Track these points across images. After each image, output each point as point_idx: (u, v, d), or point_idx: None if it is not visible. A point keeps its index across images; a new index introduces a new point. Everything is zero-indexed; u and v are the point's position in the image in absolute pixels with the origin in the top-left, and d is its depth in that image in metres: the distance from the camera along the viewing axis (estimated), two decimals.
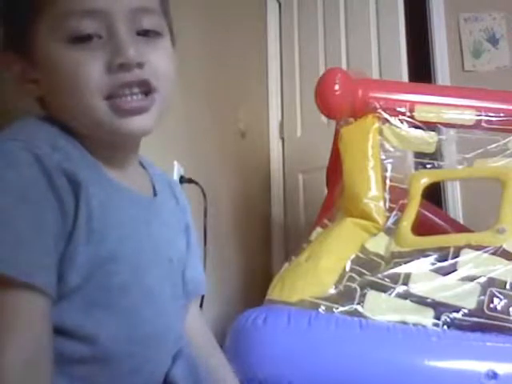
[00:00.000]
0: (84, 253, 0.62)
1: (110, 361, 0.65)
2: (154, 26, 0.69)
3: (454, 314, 1.27)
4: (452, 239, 1.50)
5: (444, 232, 1.77)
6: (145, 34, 0.68)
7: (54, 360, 0.59)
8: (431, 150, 1.65)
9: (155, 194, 0.77)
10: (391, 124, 1.64)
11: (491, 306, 1.26)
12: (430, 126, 1.66)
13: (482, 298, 1.28)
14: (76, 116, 0.68)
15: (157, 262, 0.72)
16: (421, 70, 2.56)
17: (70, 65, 0.64)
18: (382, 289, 1.34)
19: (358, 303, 1.32)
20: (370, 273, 1.39)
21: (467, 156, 1.60)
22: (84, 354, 0.63)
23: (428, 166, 1.64)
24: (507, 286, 1.29)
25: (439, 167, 1.65)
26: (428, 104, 1.67)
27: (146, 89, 0.67)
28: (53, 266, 0.60)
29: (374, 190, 1.57)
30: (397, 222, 1.52)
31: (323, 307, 1.32)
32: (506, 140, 1.59)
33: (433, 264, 1.37)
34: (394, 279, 1.35)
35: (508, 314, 1.25)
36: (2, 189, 0.58)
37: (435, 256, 1.38)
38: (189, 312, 0.86)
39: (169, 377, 0.74)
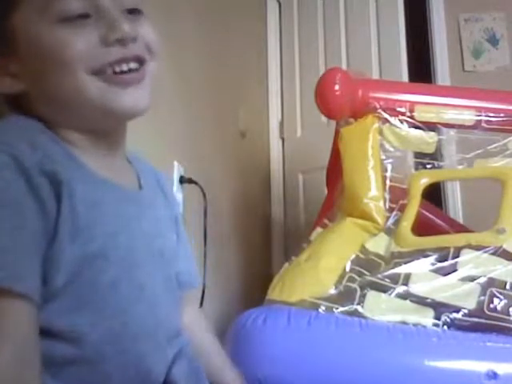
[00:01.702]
0: (70, 252, 0.60)
1: (102, 360, 0.63)
2: (135, 4, 0.69)
3: (454, 315, 1.27)
4: (452, 239, 1.50)
5: (444, 232, 1.77)
6: (130, 12, 0.68)
7: (43, 363, 0.58)
8: (431, 150, 1.65)
9: (140, 188, 0.76)
10: (391, 124, 1.64)
11: (491, 306, 1.26)
12: (430, 126, 1.66)
13: (482, 298, 1.28)
14: (63, 99, 0.66)
15: (148, 256, 0.71)
16: (421, 70, 2.57)
17: (59, 42, 0.64)
18: (382, 289, 1.34)
19: (358, 303, 1.32)
20: (370, 273, 1.39)
21: (467, 156, 1.60)
22: (74, 355, 0.61)
23: (428, 166, 1.64)
24: (507, 287, 1.29)
25: (439, 167, 1.65)
26: (428, 104, 1.67)
27: (140, 63, 0.68)
28: (35, 270, 0.58)
29: (374, 190, 1.57)
30: (397, 222, 1.52)
31: (323, 307, 1.32)
32: (506, 140, 1.59)
33: (433, 264, 1.37)
34: (394, 279, 1.35)
35: (508, 315, 1.25)
36: None
37: (435, 256, 1.39)
38: (185, 308, 0.85)
39: (169, 376, 0.72)
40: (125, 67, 0.66)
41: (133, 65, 0.67)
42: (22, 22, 0.65)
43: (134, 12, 0.68)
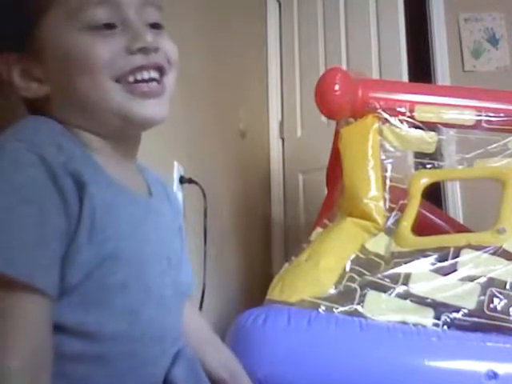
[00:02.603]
0: (86, 252, 0.62)
1: (111, 359, 0.65)
2: (157, 19, 0.73)
3: (454, 314, 1.27)
4: (452, 239, 1.50)
5: (444, 232, 1.77)
6: (152, 26, 0.72)
7: (54, 359, 0.59)
8: (431, 150, 1.65)
9: (150, 195, 0.78)
10: (391, 124, 1.64)
11: (491, 306, 1.26)
12: (430, 126, 1.66)
13: (482, 298, 1.28)
14: (85, 103, 0.68)
15: (156, 261, 0.73)
16: (421, 70, 2.57)
17: (84, 47, 0.66)
18: (382, 289, 1.34)
19: (358, 303, 1.32)
20: (370, 273, 1.39)
21: (467, 156, 1.60)
22: (85, 351, 0.63)
23: (428, 166, 1.64)
24: (507, 286, 1.29)
25: (439, 167, 1.65)
26: (428, 104, 1.67)
27: (160, 73, 0.71)
28: (55, 266, 0.60)
29: (374, 190, 1.57)
30: (397, 222, 1.52)
31: (323, 307, 1.32)
32: (506, 140, 1.59)
33: (433, 264, 1.37)
34: (394, 279, 1.35)
35: (508, 314, 1.25)
36: (6, 190, 0.59)
37: (435, 256, 1.39)
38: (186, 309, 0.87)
39: (168, 377, 0.74)
40: (146, 75, 0.69)
41: (153, 73, 0.70)
42: (50, 28, 0.67)
43: (156, 26, 0.72)
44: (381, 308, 1.31)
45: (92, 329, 0.63)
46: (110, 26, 0.67)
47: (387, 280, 1.35)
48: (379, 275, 1.37)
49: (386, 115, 1.64)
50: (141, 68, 0.68)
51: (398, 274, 1.36)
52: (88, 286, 0.63)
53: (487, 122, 1.63)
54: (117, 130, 0.71)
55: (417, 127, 1.64)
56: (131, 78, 0.68)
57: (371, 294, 1.33)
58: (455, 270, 1.34)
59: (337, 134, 1.76)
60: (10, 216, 0.58)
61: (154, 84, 0.70)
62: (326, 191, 2.01)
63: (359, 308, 1.31)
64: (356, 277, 1.38)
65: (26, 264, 0.57)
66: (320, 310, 1.32)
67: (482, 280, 1.30)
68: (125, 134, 0.73)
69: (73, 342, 0.62)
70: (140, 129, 0.74)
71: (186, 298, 0.89)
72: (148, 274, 0.70)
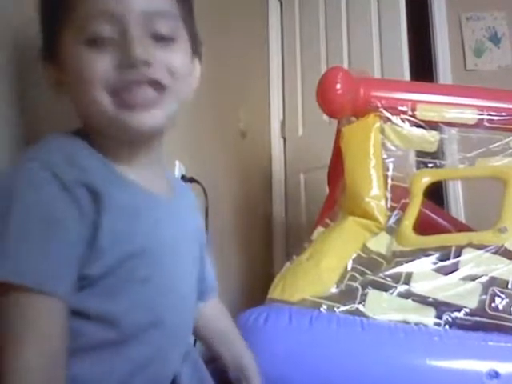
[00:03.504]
0: (108, 253, 0.67)
1: (129, 347, 0.69)
2: (168, 31, 0.73)
3: (456, 314, 1.27)
4: (454, 238, 1.50)
5: (446, 231, 1.77)
6: (159, 37, 0.72)
7: (76, 343, 0.65)
8: (433, 149, 1.65)
9: (173, 197, 0.82)
10: (393, 123, 1.63)
11: (493, 305, 1.26)
12: (431, 125, 1.66)
13: (484, 297, 1.27)
14: (88, 114, 0.73)
15: (178, 258, 0.78)
16: (422, 68, 2.56)
17: (82, 63, 0.69)
18: (384, 288, 1.34)
19: (360, 302, 1.32)
20: (371, 272, 1.39)
21: (469, 155, 1.60)
22: (106, 338, 0.68)
23: (430, 165, 1.63)
24: (509, 286, 1.29)
25: (441, 166, 1.65)
26: (430, 103, 1.67)
27: (157, 87, 0.71)
28: (71, 275, 0.65)
29: (376, 189, 1.57)
30: (398, 221, 1.52)
31: (325, 306, 1.32)
32: (508, 139, 1.59)
33: (434, 263, 1.37)
34: (396, 278, 1.35)
35: (509, 314, 1.25)
36: (23, 208, 0.63)
37: (437, 255, 1.38)
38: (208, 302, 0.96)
39: (176, 378, 0.78)
40: (137, 89, 0.70)
41: (147, 87, 0.71)
42: (64, 42, 0.72)
43: (164, 38, 0.72)
44: (382, 307, 1.31)
45: (113, 317, 0.68)
46: (107, 40, 0.69)
47: (389, 279, 1.35)
48: (381, 274, 1.37)
49: (387, 114, 1.63)
50: (132, 82, 0.70)
51: (400, 273, 1.36)
52: (110, 280, 0.67)
53: (489, 121, 1.62)
54: (120, 137, 0.74)
55: (418, 126, 1.64)
56: (123, 93, 0.70)
57: (373, 293, 1.33)
58: (457, 269, 1.34)
59: (338, 132, 1.76)
60: (27, 230, 0.63)
61: (146, 96, 0.71)
62: (327, 190, 2.01)
63: (361, 307, 1.31)
64: (357, 276, 1.38)
65: (43, 274, 0.62)
66: (321, 309, 1.32)
67: (484, 279, 1.30)
68: (130, 139, 0.75)
69: (95, 328, 0.67)
70: (136, 137, 0.75)
71: (208, 298, 0.97)
72: (169, 270, 0.75)
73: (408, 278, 1.34)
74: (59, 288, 0.63)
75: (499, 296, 1.27)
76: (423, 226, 1.53)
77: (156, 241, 0.73)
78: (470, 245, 1.38)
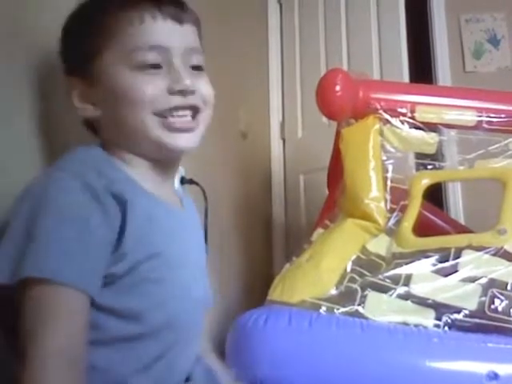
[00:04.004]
0: (130, 255, 0.73)
1: (144, 341, 0.75)
2: (199, 62, 0.85)
3: (455, 315, 1.27)
4: (453, 240, 1.50)
5: (445, 233, 1.77)
6: (194, 68, 0.83)
7: (98, 336, 0.71)
8: (432, 150, 1.65)
9: (183, 208, 0.91)
10: (392, 125, 1.63)
11: (492, 307, 1.26)
12: (430, 127, 1.66)
13: (483, 299, 1.27)
14: (128, 130, 0.80)
15: (188, 264, 0.84)
16: (422, 70, 2.57)
17: (132, 84, 0.78)
18: (383, 290, 1.34)
19: (359, 304, 1.32)
20: (370, 274, 1.39)
21: (468, 157, 1.60)
22: (129, 331, 0.74)
23: (429, 166, 1.64)
24: (508, 287, 1.29)
25: (440, 168, 1.65)
26: (429, 105, 1.67)
27: (195, 112, 0.82)
28: (97, 270, 0.71)
29: (375, 191, 1.57)
30: (398, 223, 1.52)
31: (324, 308, 1.32)
32: (507, 141, 1.59)
33: (434, 265, 1.37)
34: (395, 280, 1.35)
35: (509, 315, 1.25)
36: (55, 211, 0.69)
37: (436, 257, 1.38)
38: None
39: (189, 378, 0.85)
40: (181, 113, 0.81)
41: (188, 112, 0.82)
42: (106, 63, 0.80)
43: (197, 68, 0.84)
44: (382, 309, 1.31)
45: (134, 313, 0.74)
46: (156, 67, 0.79)
47: (388, 281, 1.35)
48: (380, 276, 1.37)
49: (386, 116, 1.64)
50: (178, 107, 0.80)
51: (399, 275, 1.36)
52: (130, 278, 0.74)
53: (488, 122, 1.62)
54: (152, 154, 0.82)
55: (418, 128, 1.64)
56: (169, 114, 0.79)
57: (372, 295, 1.33)
58: (456, 271, 1.34)
59: (338, 134, 1.76)
60: (61, 231, 0.68)
61: (188, 120, 0.82)
62: (326, 192, 2.01)
63: (360, 309, 1.31)
64: (357, 277, 1.38)
65: (73, 268, 0.68)
66: (321, 310, 1.32)
67: (483, 281, 1.30)
68: (160, 158, 0.84)
69: (119, 323, 0.73)
70: (173, 155, 0.85)
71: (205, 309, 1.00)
72: (182, 274, 0.82)
73: (407, 280, 1.34)
74: (90, 286, 0.70)
75: (499, 298, 1.27)
76: (423, 228, 1.53)
77: (170, 246, 0.80)
78: (470, 246, 1.38)
